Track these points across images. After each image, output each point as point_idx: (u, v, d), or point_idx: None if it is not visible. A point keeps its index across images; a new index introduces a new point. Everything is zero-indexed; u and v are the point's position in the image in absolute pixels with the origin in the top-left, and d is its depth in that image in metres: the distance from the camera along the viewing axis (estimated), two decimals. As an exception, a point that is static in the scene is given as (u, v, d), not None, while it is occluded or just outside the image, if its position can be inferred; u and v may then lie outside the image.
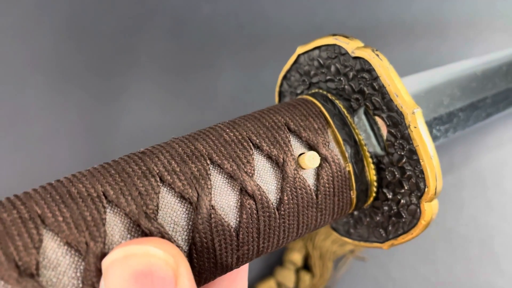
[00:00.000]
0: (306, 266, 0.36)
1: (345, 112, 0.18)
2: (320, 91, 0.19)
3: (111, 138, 0.40)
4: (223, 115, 0.40)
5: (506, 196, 0.38)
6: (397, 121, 0.17)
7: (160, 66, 0.42)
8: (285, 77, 0.21)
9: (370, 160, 0.18)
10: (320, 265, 0.35)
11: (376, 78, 0.17)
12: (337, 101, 0.18)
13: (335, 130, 0.17)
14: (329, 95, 0.19)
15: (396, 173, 0.17)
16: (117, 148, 0.41)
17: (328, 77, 0.19)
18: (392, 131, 0.17)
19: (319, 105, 0.18)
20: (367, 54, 0.17)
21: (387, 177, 0.18)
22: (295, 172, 0.16)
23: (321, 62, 0.19)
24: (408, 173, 0.17)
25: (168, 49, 0.43)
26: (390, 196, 0.18)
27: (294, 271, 0.36)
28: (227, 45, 0.43)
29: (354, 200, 0.18)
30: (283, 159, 0.16)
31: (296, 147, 0.16)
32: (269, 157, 0.16)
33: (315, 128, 0.17)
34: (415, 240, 0.35)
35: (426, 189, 0.16)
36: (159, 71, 0.42)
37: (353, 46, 0.17)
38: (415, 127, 0.16)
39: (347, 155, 0.17)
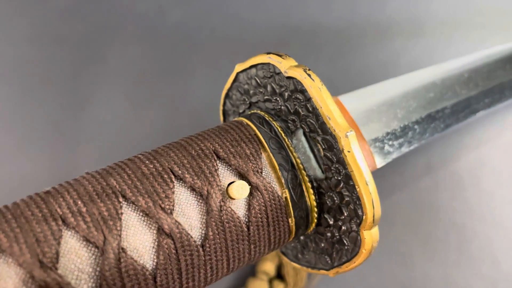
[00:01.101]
0: (280, 275, 0.35)
1: (282, 134, 0.17)
2: (259, 112, 0.18)
3: (79, 150, 0.39)
4: (195, 122, 0.39)
5: (484, 197, 0.37)
6: (331, 145, 0.16)
7: (129, 74, 0.41)
8: (227, 96, 0.20)
9: (309, 184, 0.17)
10: (293, 274, 0.35)
11: (309, 99, 0.16)
12: (274, 123, 0.17)
13: (271, 154, 0.17)
14: (266, 116, 0.18)
15: (335, 198, 0.16)
16: (85, 160, 0.40)
17: (266, 97, 0.18)
18: (328, 154, 0.16)
19: (254, 128, 0.17)
20: (299, 74, 0.16)
21: (327, 202, 0.17)
22: (222, 204, 0.15)
23: (258, 81, 0.18)
24: (346, 199, 0.16)
25: (137, 56, 0.42)
26: (331, 222, 0.17)
27: (267, 281, 0.35)
28: (199, 49, 0.42)
29: (293, 228, 0.17)
30: (207, 191, 0.15)
31: (225, 176, 0.16)
32: (192, 189, 0.15)
33: (246, 154, 0.16)
34: (392, 245, 0.35)
35: (364, 217, 0.15)
36: (128, 79, 0.41)
37: (285, 66, 0.16)
38: (349, 152, 0.15)
39: (283, 180, 0.16)
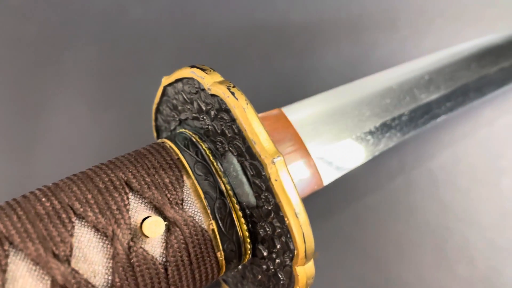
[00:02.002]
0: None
1: (211, 157, 0.15)
2: (186, 131, 0.16)
3: (34, 158, 0.37)
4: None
5: (460, 195, 0.36)
6: (259, 171, 0.14)
7: (87, 75, 0.39)
8: (158, 111, 0.18)
9: (240, 213, 0.15)
10: None
11: (234, 120, 0.14)
12: (202, 144, 0.16)
13: (195, 181, 0.15)
14: (194, 136, 0.16)
15: (267, 229, 0.15)
16: (41, 168, 0.38)
17: (193, 114, 0.16)
18: (257, 181, 0.14)
19: (177, 151, 0.15)
20: (222, 92, 0.14)
21: (261, 232, 0.15)
22: (132, 244, 0.13)
23: (185, 97, 0.16)
24: (278, 230, 0.14)
25: (96, 56, 0.39)
26: (265, 254, 0.15)
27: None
28: (161, 48, 0.40)
29: (223, 262, 0.15)
30: (112, 230, 0.13)
31: (138, 211, 0.14)
32: (96, 229, 0.13)
33: (165, 183, 0.14)
34: (364, 248, 0.33)
35: (295, 252, 0.14)
36: (87, 80, 0.39)
37: (209, 81, 0.15)
38: (276, 180, 0.13)
39: (209, 210, 0.15)
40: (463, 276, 0.34)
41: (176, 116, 0.17)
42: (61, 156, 0.37)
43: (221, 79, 0.15)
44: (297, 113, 0.19)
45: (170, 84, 0.17)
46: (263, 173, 0.14)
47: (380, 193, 0.34)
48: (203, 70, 0.15)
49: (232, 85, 0.14)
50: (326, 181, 0.19)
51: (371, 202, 0.34)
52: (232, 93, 0.14)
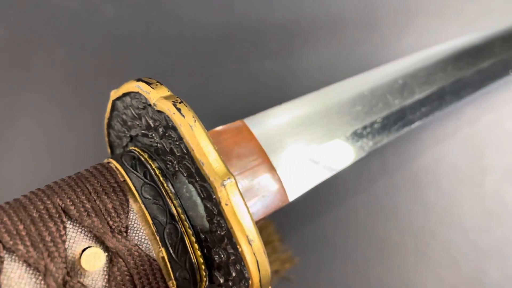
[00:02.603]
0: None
1: (161, 177, 0.14)
2: (135, 150, 0.15)
3: (3, 165, 0.35)
4: None
5: (442, 196, 0.35)
6: (210, 194, 0.13)
7: (58, 79, 0.37)
8: (110, 126, 0.17)
9: (193, 238, 0.14)
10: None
11: (182, 138, 0.13)
12: (151, 163, 0.14)
13: (142, 205, 0.14)
14: (143, 155, 0.15)
15: (222, 255, 0.14)
16: (12, 176, 0.37)
17: (142, 131, 0.15)
18: (208, 205, 0.13)
19: (123, 172, 0.14)
20: (167, 108, 0.13)
21: (216, 258, 0.14)
22: (68, 279, 0.12)
23: (133, 112, 0.15)
24: (232, 257, 0.13)
25: (66, 58, 0.38)
26: (222, 281, 0.14)
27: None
28: (134, 49, 0.39)
29: None
30: (45, 265, 0.12)
31: (77, 241, 0.13)
32: (27, 264, 0.12)
33: (107, 209, 0.13)
34: (346, 252, 0.32)
35: (250, 281, 0.13)
36: (57, 85, 0.37)
37: (155, 97, 0.13)
38: (227, 204, 0.12)
39: (158, 237, 0.13)
40: (447, 279, 0.33)
41: (127, 132, 0.16)
42: (31, 163, 0.35)
43: (168, 93, 0.13)
44: (261, 124, 0.18)
45: (118, 98, 0.15)
46: (214, 196, 0.13)
47: (362, 195, 0.33)
48: (149, 84, 0.14)
49: (178, 101, 0.13)
50: (292, 196, 0.17)
51: (352, 205, 0.33)
52: (178, 110, 0.13)
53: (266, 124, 0.18)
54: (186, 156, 0.13)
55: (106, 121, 0.17)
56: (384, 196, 0.34)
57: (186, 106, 0.13)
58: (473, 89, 0.24)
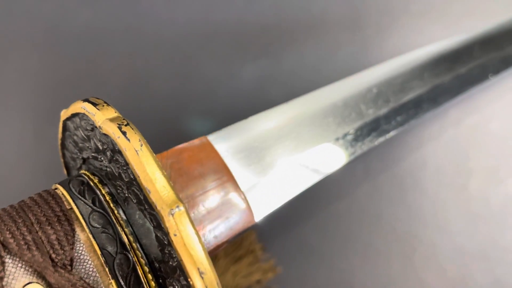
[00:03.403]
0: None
1: (111, 204, 0.13)
2: (85, 174, 0.14)
3: None
4: None
5: (427, 200, 0.35)
6: (159, 223, 0.12)
7: (31, 86, 0.36)
8: (64, 146, 0.16)
9: (147, 268, 0.13)
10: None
11: (128, 164, 0.12)
12: (101, 189, 0.13)
13: (90, 235, 0.13)
14: (93, 179, 0.14)
15: (176, 286, 0.13)
16: None
17: (92, 154, 0.14)
18: (158, 234, 0.12)
19: (70, 200, 0.13)
20: (112, 132, 0.12)
21: None
22: None
23: (83, 133, 0.14)
24: None
25: (38, 65, 0.37)
26: None
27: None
28: (112, 54, 0.38)
29: None
30: None
31: (17, 276, 0.12)
32: None
33: (50, 241, 0.12)
34: (330, 259, 0.32)
35: None
36: (30, 92, 0.36)
37: (100, 118, 0.12)
38: (176, 235, 0.12)
39: (107, 268, 0.13)
40: (432, 284, 0.32)
41: (79, 154, 0.15)
42: (1, 174, 0.34)
43: (114, 115, 0.12)
44: (226, 140, 0.17)
45: (68, 118, 0.14)
46: (163, 225, 0.12)
47: (345, 201, 0.33)
48: (95, 104, 0.13)
49: (125, 123, 0.12)
50: (259, 216, 0.17)
51: (335, 211, 0.32)
52: (124, 133, 0.12)
53: (231, 140, 0.17)
54: (134, 182, 0.12)
55: (59, 141, 0.16)
56: (368, 201, 0.34)
57: (132, 129, 0.12)
58: (451, 96, 0.24)
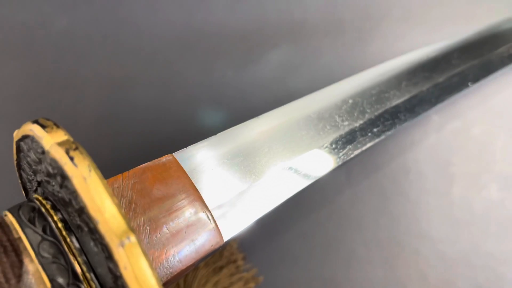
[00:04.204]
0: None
1: (63, 231, 0.12)
2: (37, 199, 0.13)
3: None
4: (88, 144, 0.34)
5: (409, 207, 0.34)
6: (110, 254, 0.11)
7: (7, 94, 0.35)
8: (20, 167, 0.15)
9: None
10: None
11: (75, 191, 0.11)
12: (54, 215, 0.13)
13: (39, 266, 0.12)
14: (46, 205, 0.13)
15: None
16: None
17: (45, 177, 0.13)
18: (110, 266, 0.12)
19: (18, 228, 0.12)
20: (59, 157, 0.11)
21: None
22: None
23: (35, 155, 0.13)
24: None
25: (16, 72, 0.36)
26: None
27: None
28: (90, 59, 0.37)
29: None
30: None
31: None
32: None
33: None
34: (312, 268, 0.31)
35: None
36: (7, 100, 0.35)
37: (48, 142, 0.12)
38: (126, 268, 0.11)
39: None
40: (415, 292, 0.32)
41: (33, 176, 0.14)
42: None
43: (63, 138, 0.12)
44: (193, 158, 0.16)
45: (21, 139, 0.14)
46: (113, 258, 0.11)
47: (327, 208, 0.32)
48: (44, 127, 0.12)
49: (73, 147, 0.11)
50: (227, 236, 0.16)
51: (317, 218, 0.32)
52: (71, 158, 0.11)
53: (199, 157, 0.16)
54: (84, 210, 0.11)
55: (15, 162, 0.15)
56: (350, 208, 0.34)
57: (81, 154, 0.11)
58: (429, 105, 0.23)
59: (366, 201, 0.34)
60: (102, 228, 0.11)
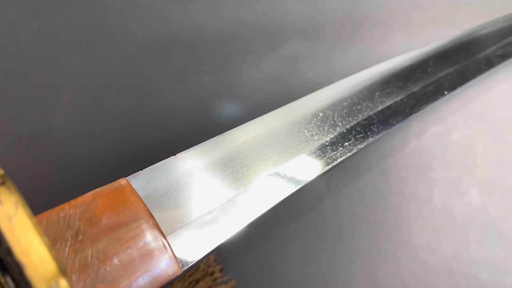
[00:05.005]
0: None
1: None
2: None
3: None
4: (59, 158, 0.33)
5: (390, 214, 0.34)
6: None
7: None
8: None
9: None
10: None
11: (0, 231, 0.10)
12: None
13: None
14: None
15: None
16: None
17: None
18: None
19: None
20: None
21: None
22: None
23: None
24: None
25: None
26: None
27: None
28: (62, 68, 0.35)
29: None
30: None
31: None
32: None
33: None
34: (291, 279, 0.30)
35: None
36: None
37: None
38: None
39: None
40: (396, 301, 0.32)
41: None
42: None
43: None
44: (149, 181, 0.15)
45: None
46: None
47: (306, 217, 0.31)
48: None
49: (0, 181, 0.10)
50: (185, 265, 0.15)
51: (296, 228, 0.31)
52: None
53: (155, 180, 0.15)
54: (10, 252, 0.10)
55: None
56: (330, 216, 0.33)
57: (7, 189, 0.10)
58: (404, 116, 0.23)
59: (346, 209, 0.33)
60: (29, 271, 0.10)
